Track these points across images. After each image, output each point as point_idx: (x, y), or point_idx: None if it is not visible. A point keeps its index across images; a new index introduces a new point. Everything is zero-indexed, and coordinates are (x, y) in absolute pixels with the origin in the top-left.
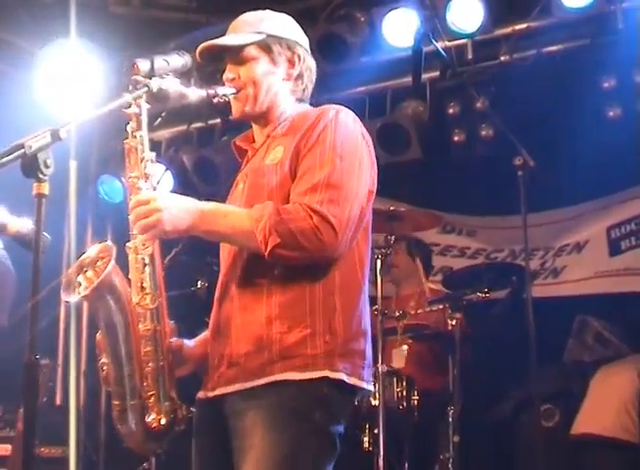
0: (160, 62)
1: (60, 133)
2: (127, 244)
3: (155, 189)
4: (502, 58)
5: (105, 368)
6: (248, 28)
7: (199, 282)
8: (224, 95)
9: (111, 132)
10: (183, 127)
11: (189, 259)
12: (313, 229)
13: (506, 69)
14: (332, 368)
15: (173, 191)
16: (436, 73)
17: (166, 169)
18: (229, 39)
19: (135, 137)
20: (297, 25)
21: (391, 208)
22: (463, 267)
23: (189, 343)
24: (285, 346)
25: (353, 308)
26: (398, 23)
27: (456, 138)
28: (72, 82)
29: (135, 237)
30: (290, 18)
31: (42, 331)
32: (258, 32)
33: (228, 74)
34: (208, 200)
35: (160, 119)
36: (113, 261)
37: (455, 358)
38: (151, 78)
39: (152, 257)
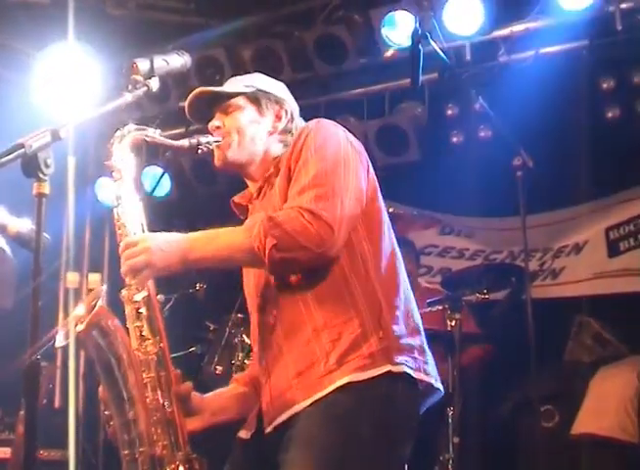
0: (159, 61)
1: (60, 133)
2: (121, 292)
3: (143, 231)
4: (500, 59)
5: (111, 422)
6: (238, 83)
7: (197, 284)
8: (207, 143)
9: (109, 134)
10: (181, 129)
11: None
12: (307, 226)
13: (504, 70)
14: (393, 362)
15: (171, 193)
16: (435, 75)
17: (164, 172)
18: (219, 88)
19: (119, 187)
20: (287, 90)
21: (390, 209)
22: (462, 268)
23: (199, 395)
24: (340, 353)
25: (397, 303)
26: (396, 25)
27: (454, 139)
28: (70, 84)
29: (129, 284)
30: (282, 84)
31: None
32: (248, 86)
33: (214, 122)
34: (206, 201)
35: (157, 122)
36: (100, 303)
37: (454, 359)
38: (150, 78)
39: (148, 301)
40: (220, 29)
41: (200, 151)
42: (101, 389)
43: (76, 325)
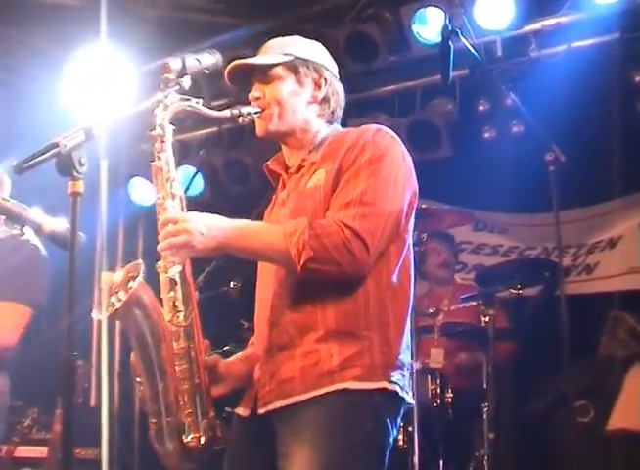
0: (191, 60)
1: (93, 132)
2: (157, 263)
3: (183, 209)
4: (532, 54)
5: (141, 388)
6: (276, 51)
7: (231, 282)
8: (248, 114)
9: (140, 135)
10: (213, 129)
11: (221, 260)
12: (345, 243)
13: (536, 65)
14: (389, 379)
15: (204, 192)
16: (466, 71)
17: (197, 171)
18: (257, 59)
19: (160, 158)
20: (326, 52)
21: (423, 205)
22: (495, 264)
23: (225, 360)
24: (344, 357)
25: (404, 321)
26: (427, 22)
27: (486, 135)
28: (102, 85)
29: (165, 256)
30: (319, 44)
31: (76, 333)
32: (286, 54)
33: (254, 93)
34: (239, 200)
35: (189, 121)
36: (140, 278)
37: (489, 355)
38: (182, 77)
39: (182, 274)
40: (250, 29)
41: (241, 120)
42: (133, 356)
43: (112, 295)
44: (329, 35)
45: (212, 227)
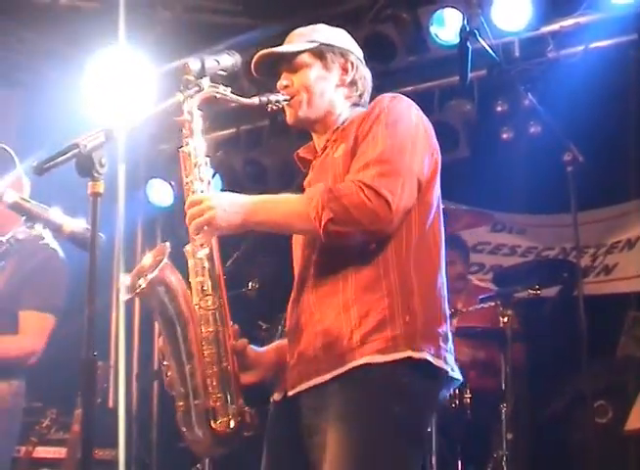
0: (210, 61)
1: (113, 133)
2: (186, 247)
3: (208, 191)
4: (549, 55)
5: (168, 372)
6: (301, 39)
7: (250, 283)
8: (277, 101)
9: (159, 136)
10: (232, 130)
11: (240, 260)
12: (365, 202)
13: (554, 65)
14: (415, 348)
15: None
16: (484, 72)
17: (215, 172)
18: (283, 48)
19: (188, 144)
20: (351, 38)
21: (441, 206)
22: (513, 264)
23: (257, 348)
24: (364, 331)
25: (431, 290)
26: (444, 22)
27: (504, 136)
28: (121, 87)
29: (193, 240)
30: (343, 31)
31: (95, 333)
32: (311, 41)
33: (282, 82)
34: None
35: (208, 122)
36: (165, 259)
37: (507, 356)
38: (202, 78)
39: (210, 258)
40: (267, 30)
41: (270, 109)
42: (160, 340)
43: (140, 278)
44: None
45: (235, 203)
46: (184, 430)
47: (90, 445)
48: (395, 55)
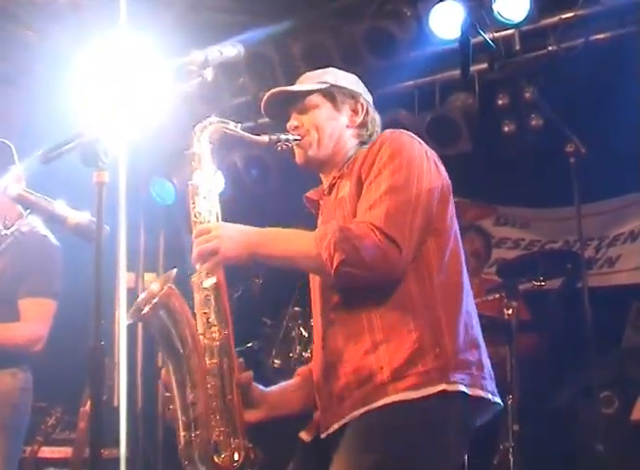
0: (213, 52)
1: (116, 125)
2: (192, 277)
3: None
4: (550, 48)
5: (170, 406)
6: (311, 80)
7: (254, 280)
8: (287, 141)
9: (161, 134)
10: None
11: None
12: (377, 244)
13: (554, 58)
14: (448, 381)
15: (225, 191)
16: (485, 65)
17: (218, 170)
18: (294, 87)
19: (198, 176)
20: (360, 82)
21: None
22: (517, 256)
23: (262, 387)
24: (395, 366)
25: (458, 318)
26: (445, 16)
27: (506, 129)
28: (121, 84)
29: (200, 270)
30: (353, 75)
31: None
32: (322, 82)
33: (292, 122)
34: (261, 199)
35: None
36: (169, 285)
37: (512, 347)
38: (205, 69)
39: (217, 288)
40: (270, 27)
41: (279, 148)
42: (164, 371)
43: (147, 304)
44: (348, 32)
45: (243, 233)
46: (186, 463)
47: (99, 433)
48: (396, 49)
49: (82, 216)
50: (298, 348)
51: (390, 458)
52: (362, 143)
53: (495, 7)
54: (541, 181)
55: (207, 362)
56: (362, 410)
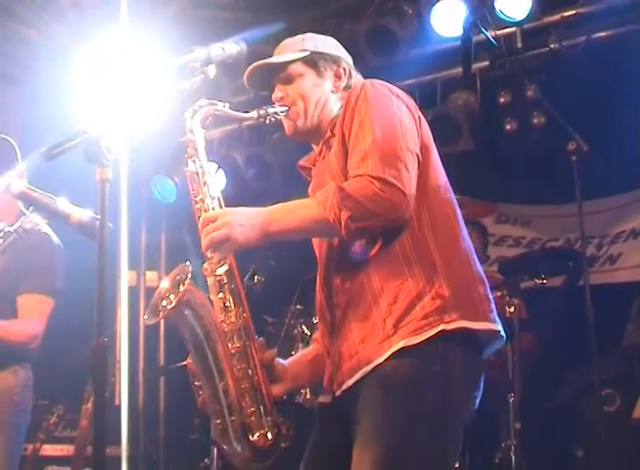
0: (216, 49)
1: (118, 123)
2: (203, 265)
3: (221, 207)
4: (551, 45)
5: (200, 392)
6: (291, 48)
7: (255, 277)
8: (275, 114)
9: (162, 133)
10: (234, 126)
11: (245, 254)
12: (379, 193)
13: (556, 56)
14: (446, 321)
15: (226, 189)
16: (486, 63)
17: (219, 168)
18: (274, 58)
19: (194, 163)
20: (340, 45)
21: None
22: (519, 254)
23: (281, 360)
24: (396, 317)
25: (456, 258)
26: (447, 14)
27: (508, 127)
28: (123, 83)
29: (211, 257)
30: (332, 39)
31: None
32: (302, 50)
33: (277, 94)
34: (261, 197)
35: (210, 119)
36: (188, 281)
37: (514, 345)
38: (208, 66)
39: (229, 274)
40: (271, 25)
41: (268, 121)
42: (190, 361)
43: (162, 300)
44: (349, 30)
45: (250, 216)
46: (224, 446)
47: (103, 426)
48: (398, 48)
49: (85, 213)
50: (301, 345)
51: (410, 408)
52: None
53: (497, 5)
54: (542, 179)
55: (230, 347)
56: (373, 365)
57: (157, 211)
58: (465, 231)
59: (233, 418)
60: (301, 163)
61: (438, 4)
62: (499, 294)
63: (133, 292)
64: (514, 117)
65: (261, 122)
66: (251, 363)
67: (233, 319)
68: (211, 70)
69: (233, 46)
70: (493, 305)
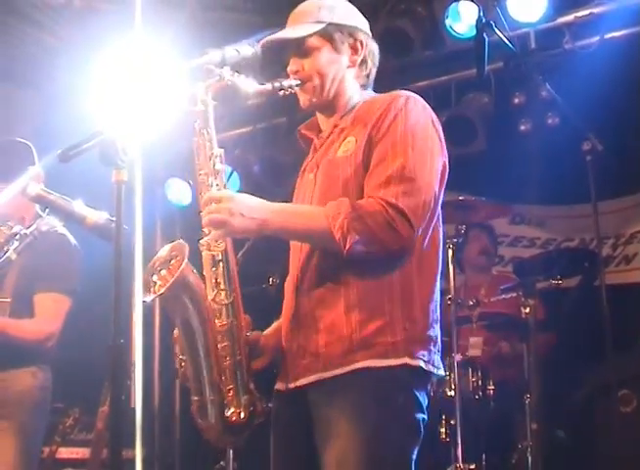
0: (230, 51)
1: (133, 125)
2: (200, 241)
3: (225, 186)
4: (566, 46)
5: (183, 365)
6: (307, 19)
7: (270, 279)
8: (290, 87)
9: (177, 135)
10: (248, 128)
11: (259, 256)
12: (390, 223)
13: (570, 56)
14: (411, 355)
15: (240, 191)
16: (500, 64)
17: (233, 170)
18: (289, 32)
19: (203, 134)
20: (357, 10)
21: (460, 198)
22: (534, 254)
23: (263, 333)
24: (365, 334)
25: (430, 296)
26: (460, 15)
27: (522, 127)
28: (138, 87)
29: (208, 234)
30: (348, 3)
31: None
32: (318, 22)
33: (292, 67)
34: (275, 198)
35: (225, 120)
36: (186, 259)
37: (530, 346)
38: (222, 68)
39: (225, 253)
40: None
41: (283, 94)
42: (176, 332)
43: (153, 274)
44: None
45: (253, 208)
46: (198, 420)
47: (119, 429)
48: (411, 49)
49: (100, 216)
50: None
51: (377, 423)
52: (363, 86)
53: (510, 5)
54: (557, 179)
55: (217, 324)
56: (330, 373)
57: (171, 213)
58: (440, 269)
59: (212, 397)
60: (303, 130)
61: (452, 5)
62: (514, 295)
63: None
64: (528, 117)
65: (276, 94)
66: (236, 341)
67: (222, 296)
68: (226, 73)
69: (247, 48)
70: (438, 347)
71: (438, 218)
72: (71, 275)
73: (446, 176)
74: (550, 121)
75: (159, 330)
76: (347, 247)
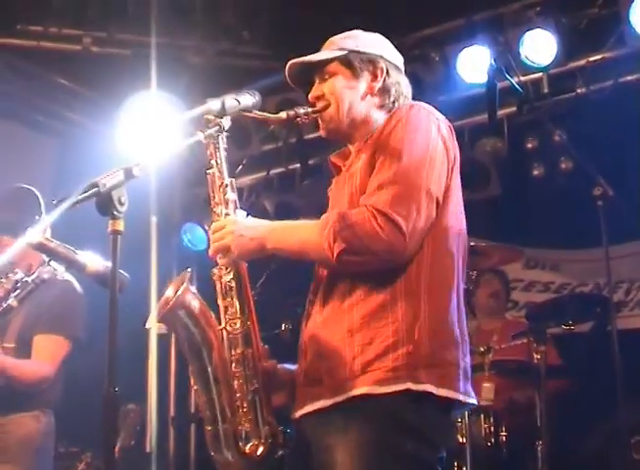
0: (230, 101)
1: (133, 171)
2: (212, 270)
3: (235, 212)
4: (578, 90)
5: (195, 387)
6: (332, 46)
7: (282, 325)
8: (306, 114)
9: (193, 180)
10: (263, 173)
11: (272, 301)
12: (377, 231)
13: (583, 100)
14: (416, 380)
15: None
16: (513, 109)
17: (248, 215)
18: (311, 57)
19: (213, 166)
20: (386, 41)
21: (472, 243)
22: (546, 300)
23: (288, 366)
24: (366, 359)
25: (443, 314)
26: (472, 60)
27: (535, 172)
28: (154, 133)
29: (219, 263)
30: (379, 35)
31: (130, 375)
32: (341, 48)
33: (313, 93)
34: None
35: (240, 167)
36: (185, 284)
37: (541, 392)
38: (222, 117)
39: (238, 280)
40: None
41: (299, 122)
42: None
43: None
44: None
45: (251, 229)
46: (213, 454)
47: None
48: (424, 94)
49: (102, 264)
50: None
51: (372, 456)
52: (389, 111)
53: (522, 51)
54: (570, 223)
55: (233, 354)
56: (332, 401)
57: (187, 258)
58: (461, 286)
59: (225, 426)
60: (333, 159)
61: (464, 51)
62: (526, 340)
63: (164, 338)
64: (541, 162)
65: (292, 123)
66: (251, 371)
67: (237, 325)
68: (227, 122)
69: (248, 97)
70: (463, 371)
71: (461, 234)
72: (73, 320)
73: (457, 181)
74: (563, 166)
75: (174, 374)
76: (335, 255)
